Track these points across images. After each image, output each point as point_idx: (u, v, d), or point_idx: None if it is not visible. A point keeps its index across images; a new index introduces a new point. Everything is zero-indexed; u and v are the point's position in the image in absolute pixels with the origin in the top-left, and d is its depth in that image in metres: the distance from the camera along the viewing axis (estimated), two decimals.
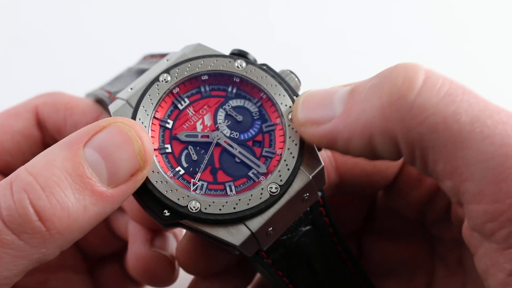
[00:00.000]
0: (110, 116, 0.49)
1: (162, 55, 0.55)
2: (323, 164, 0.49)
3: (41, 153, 0.42)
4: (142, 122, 0.48)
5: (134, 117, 0.48)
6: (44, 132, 0.59)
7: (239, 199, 0.46)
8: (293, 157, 0.48)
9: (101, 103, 0.59)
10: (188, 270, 0.53)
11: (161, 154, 0.48)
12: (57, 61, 0.92)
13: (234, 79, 0.50)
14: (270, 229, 0.47)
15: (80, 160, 0.41)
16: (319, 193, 0.50)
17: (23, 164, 0.58)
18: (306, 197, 0.49)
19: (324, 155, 0.54)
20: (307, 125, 0.46)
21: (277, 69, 0.52)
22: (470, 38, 0.97)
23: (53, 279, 0.60)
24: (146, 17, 0.99)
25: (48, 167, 0.40)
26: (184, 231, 0.52)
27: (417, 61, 0.43)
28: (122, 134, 0.42)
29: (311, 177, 0.48)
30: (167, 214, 0.46)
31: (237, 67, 0.50)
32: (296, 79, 0.52)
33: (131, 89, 0.50)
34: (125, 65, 0.61)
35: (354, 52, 0.94)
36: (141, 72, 0.54)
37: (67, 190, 0.40)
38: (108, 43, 0.95)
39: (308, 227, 0.51)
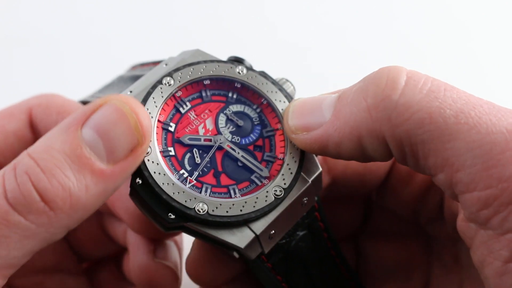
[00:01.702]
0: None
1: (154, 63, 0.55)
2: (321, 169, 0.50)
3: (42, 137, 0.43)
4: None
5: None
6: (36, 134, 0.58)
7: (245, 202, 0.47)
8: (295, 161, 0.49)
9: None
10: (198, 281, 0.53)
11: (165, 157, 0.48)
12: (56, 61, 0.91)
13: (235, 85, 0.51)
14: (272, 232, 0.48)
15: (77, 141, 0.41)
16: (315, 198, 0.51)
17: None
18: (305, 201, 0.50)
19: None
20: (298, 132, 0.48)
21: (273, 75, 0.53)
22: (470, 38, 0.98)
23: (49, 280, 0.60)
24: (144, 20, 0.99)
25: (47, 150, 0.41)
26: (186, 239, 0.52)
27: (417, 61, 0.45)
28: (117, 110, 0.43)
29: (310, 182, 0.49)
30: (172, 217, 0.46)
31: (238, 73, 0.51)
32: (292, 87, 0.53)
33: (131, 92, 0.50)
34: (124, 66, 0.60)
35: (352, 52, 0.95)
36: (134, 79, 0.54)
37: (67, 171, 0.41)
38: (107, 45, 0.94)
39: (304, 232, 0.52)
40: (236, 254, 0.48)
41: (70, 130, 0.42)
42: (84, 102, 0.59)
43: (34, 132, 0.58)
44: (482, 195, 0.40)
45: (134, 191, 0.46)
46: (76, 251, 0.62)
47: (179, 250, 0.60)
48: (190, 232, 0.47)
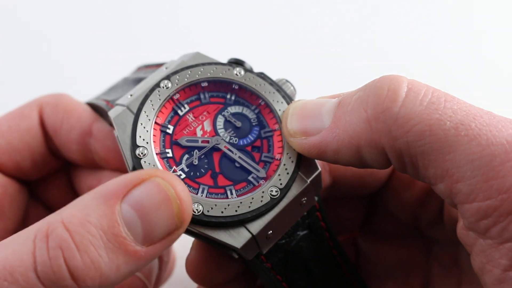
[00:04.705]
0: (111, 121, 0.50)
1: (158, 65, 0.56)
2: (320, 169, 0.50)
3: (77, 203, 0.41)
4: (144, 127, 0.48)
5: (136, 121, 0.48)
6: (45, 131, 0.59)
7: (241, 202, 0.47)
8: (292, 161, 0.49)
9: (98, 110, 0.60)
10: (198, 281, 0.53)
11: (162, 158, 0.49)
12: (56, 63, 0.93)
13: (233, 86, 0.52)
14: (269, 232, 0.48)
15: (116, 218, 0.40)
16: (316, 198, 0.51)
17: (32, 164, 0.58)
18: (304, 202, 0.50)
19: None
20: (296, 136, 0.48)
21: (273, 77, 0.53)
22: (469, 38, 0.97)
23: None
24: (149, 20, 1.00)
25: (84, 223, 0.40)
26: (186, 239, 0.52)
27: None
28: (162, 193, 0.42)
29: (309, 182, 0.49)
30: None
31: (236, 74, 0.51)
32: (292, 87, 0.54)
33: (131, 95, 0.51)
34: (129, 67, 0.62)
35: (353, 53, 0.95)
36: (137, 81, 0.55)
37: (101, 249, 0.40)
38: (108, 48, 0.96)
39: (305, 232, 0.52)
40: (235, 255, 0.48)
41: (109, 203, 0.40)
42: (91, 105, 0.60)
43: (44, 129, 0.59)
44: (482, 205, 0.40)
45: None
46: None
47: (160, 258, 0.60)
48: (188, 232, 0.48)
